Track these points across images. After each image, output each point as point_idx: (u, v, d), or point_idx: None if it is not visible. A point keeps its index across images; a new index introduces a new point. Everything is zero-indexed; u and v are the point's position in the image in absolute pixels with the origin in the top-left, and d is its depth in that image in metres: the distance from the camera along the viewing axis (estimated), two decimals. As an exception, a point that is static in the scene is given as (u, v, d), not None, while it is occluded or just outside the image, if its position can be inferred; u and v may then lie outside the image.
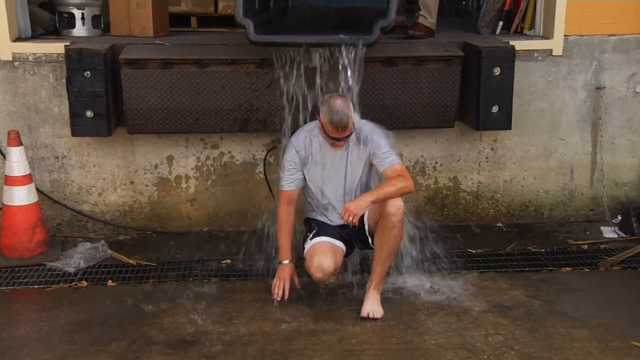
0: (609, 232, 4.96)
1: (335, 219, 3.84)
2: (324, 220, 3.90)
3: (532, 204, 5.18)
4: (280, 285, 3.68)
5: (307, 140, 3.76)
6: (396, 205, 3.56)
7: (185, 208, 4.93)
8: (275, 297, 3.69)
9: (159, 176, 4.87)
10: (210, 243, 4.76)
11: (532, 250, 4.64)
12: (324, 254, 3.66)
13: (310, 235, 3.84)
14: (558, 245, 4.72)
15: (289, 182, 3.79)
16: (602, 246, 4.72)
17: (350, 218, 3.49)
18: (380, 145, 3.68)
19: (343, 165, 3.76)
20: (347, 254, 3.89)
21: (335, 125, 3.54)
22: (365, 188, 3.86)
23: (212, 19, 5.66)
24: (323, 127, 3.63)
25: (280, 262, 3.77)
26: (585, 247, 4.71)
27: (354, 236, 3.81)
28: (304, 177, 3.81)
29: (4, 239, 4.40)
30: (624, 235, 4.88)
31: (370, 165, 3.81)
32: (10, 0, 4.56)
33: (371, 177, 3.91)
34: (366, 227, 3.72)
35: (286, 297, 3.69)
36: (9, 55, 4.57)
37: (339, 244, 3.79)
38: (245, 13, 4.03)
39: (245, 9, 4.02)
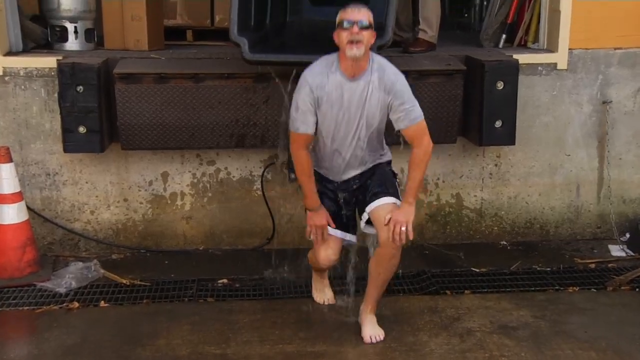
0: (616, 251, 4.95)
1: (335, 175, 3.74)
2: (324, 183, 3.79)
3: (538, 221, 5.18)
4: (320, 233, 3.65)
5: (323, 76, 3.53)
6: (392, 216, 3.52)
7: (181, 226, 4.93)
8: (316, 242, 3.71)
9: (153, 193, 4.87)
10: (206, 262, 4.76)
11: (538, 269, 4.64)
12: (331, 247, 3.69)
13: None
14: (564, 264, 4.72)
15: (305, 124, 3.57)
16: (610, 265, 4.72)
17: (402, 228, 3.41)
18: (403, 98, 3.50)
19: (361, 106, 3.54)
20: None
21: (349, 7, 3.43)
22: (377, 142, 3.71)
23: (209, 32, 5.77)
24: (337, 29, 3.46)
25: (312, 209, 3.67)
26: (593, 265, 4.71)
27: (350, 204, 3.78)
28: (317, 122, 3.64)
29: None
30: (633, 254, 4.88)
31: (386, 117, 3.62)
32: (1, 14, 4.60)
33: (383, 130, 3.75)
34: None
35: (325, 240, 3.69)
36: (0, 71, 4.60)
37: (340, 233, 3.75)
38: (241, 31, 4.05)
39: (240, 27, 4.04)
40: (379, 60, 3.53)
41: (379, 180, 3.68)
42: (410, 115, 3.46)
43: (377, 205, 3.58)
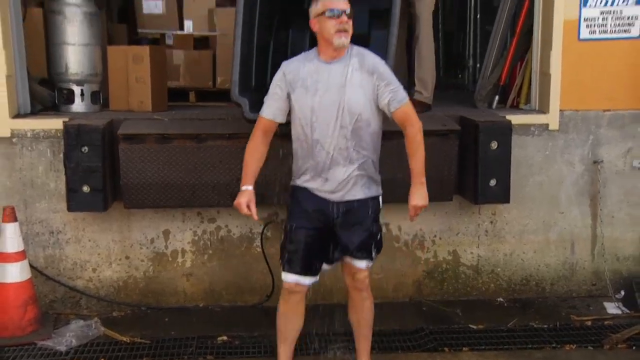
0: (612, 308, 4.93)
1: (322, 182, 3.53)
2: (308, 196, 3.57)
3: (533, 278, 5.17)
4: (241, 208, 3.55)
5: (300, 63, 3.52)
6: (360, 278, 3.58)
7: (181, 283, 4.93)
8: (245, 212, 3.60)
9: (154, 251, 4.88)
10: (206, 319, 4.74)
11: (535, 326, 4.62)
12: (294, 314, 3.66)
13: (286, 258, 3.60)
14: (561, 321, 4.70)
15: (270, 109, 3.54)
16: (606, 322, 4.69)
17: (422, 209, 3.58)
18: (388, 78, 3.45)
19: (339, 87, 3.41)
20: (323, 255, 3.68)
21: None
22: (370, 141, 3.55)
23: (210, 93, 5.89)
24: (317, 17, 3.43)
25: (242, 187, 3.61)
26: (589, 323, 4.69)
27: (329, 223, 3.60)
28: (286, 112, 3.55)
29: None
30: (628, 311, 4.86)
31: (375, 106, 3.50)
32: (11, 79, 4.70)
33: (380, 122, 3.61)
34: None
35: (254, 217, 3.58)
36: (7, 132, 4.68)
37: (309, 280, 3.60)
38: (242, 91, 4.14)
39: (241, 88, 4.14)
40: (357, 48, 3.51)
41: (366, 237, 3.59)
42: (398, 95, 3.43)
43: (357, 266, 3.59)
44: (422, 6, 5.20)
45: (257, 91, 4.46)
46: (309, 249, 3.54)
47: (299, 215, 3.57)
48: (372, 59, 3.46)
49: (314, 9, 3.44)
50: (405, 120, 3.48)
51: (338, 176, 3.47)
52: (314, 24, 3.43)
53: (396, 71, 4.97)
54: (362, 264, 3.58)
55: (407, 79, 5.50)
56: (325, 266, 3.63)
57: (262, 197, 4.47)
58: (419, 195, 3.56)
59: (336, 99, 3.37)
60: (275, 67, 4.83)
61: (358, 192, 3.53)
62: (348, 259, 3.59)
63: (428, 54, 5.29)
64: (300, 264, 3.54)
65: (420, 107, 5.11)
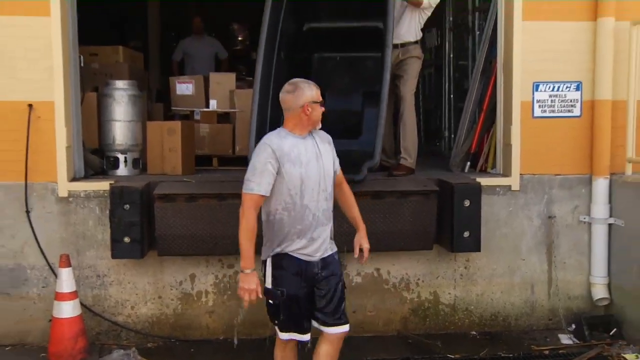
0: (565, 339, 5.00)
1: (306, 244, 3.44)
2: (292, 261, 3.44)
3: (501, 315, 5.22)
4: (252, 294, 3.35)
5: (279, 139, 3.41)
6: (334, 349, 3.53)
7: (205, 319, 4.99)
8: (245, 304, 3.41)
9: (182, 291, 4.98)
10: (226, 349, 4.77)
11: (502, 355, 4.69)
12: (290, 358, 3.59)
13: (281, 320, 3.47)
14: (524, 351, 4.76)
15: (259, 185, 3.33)
16: (560, 351, 4.76)
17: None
18: (333, 147, 3.58)
19: (317, 158, 3.44)
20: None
21: (316, 87, 3.46)
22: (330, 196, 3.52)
23: (231, 159, 6.01)
24: (309, 103, 3.40)
25: (243, 271, 3.37)
26: (547, 352, 4.75)
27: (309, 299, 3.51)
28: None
29: (51, 347, 4.51)
30: (578, 342, 4.94)
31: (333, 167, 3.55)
32: (70, 150, 4.93)
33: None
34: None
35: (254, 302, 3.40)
36: (65, 193, 4.85)
37: (304, 337, 3.52)
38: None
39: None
40: None
41: (341, 303, 3.55)
42: (337, 160, 3.58)
43: (335, 332, 3.52)
44: (405, 89, 5.40)
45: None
46: (301, 312, 3.47)
47: (287, 282, 3.43)
48: (323, 133, 3.57)
49: (308, 95, 3.41)
50: (342, 179, 3.64)
51: (322, 235, 3.46)
52: (307, 108, 3.40)
53: (385, 141, 5.23)
54: (345, 330, 3.56)
55: (394, 148, 5.67)
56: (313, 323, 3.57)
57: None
58: (365, 238, 3.62)
59: (317, 167, 3.41)
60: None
61: (330, 247, 3.54)
62: (333, 331, 3.53)
63: (411, 128, 5.43)
64: (294, 325, 3.48)
65: (406, 171, 5.28)
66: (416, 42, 5.52)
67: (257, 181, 3.33)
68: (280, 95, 3.50)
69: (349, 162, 4.36)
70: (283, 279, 3.44)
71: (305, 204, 3.40)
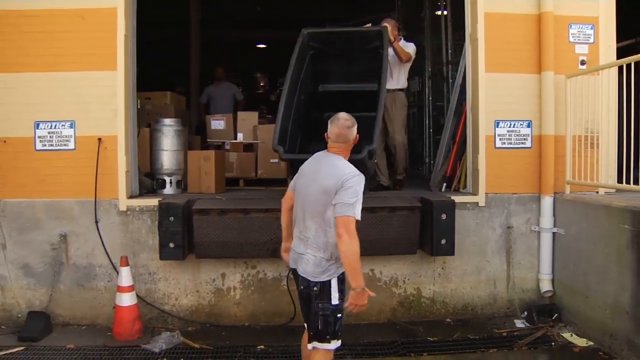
0: (519, 324, 5.07)
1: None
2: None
3: (470, 305, 5.28)
4: (362, 308, 3.06)
5: None
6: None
7: (233, 309, 5.08)
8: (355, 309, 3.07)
9: (215, 287, 5.07)
10: (250, 333, 4.87)
11: (471, 337, 4.77)
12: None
13: (338, 327, 3.13)
14: (487, 334, 4.85)
15: (359, 212, 3.02)
16: (515, 333, 4.86)
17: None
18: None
19: None
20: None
21: None
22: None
23: (254, 181, 6.16)
24: (356, 136, 3.18)
25: (356, 289, 3.00)
26: (505, 334, 4.85)
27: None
28: None
29: (115, 328, 4.67)
30: (529, 325, 5.02)
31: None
32: (129, 174, 5.10)
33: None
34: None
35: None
36: (125, 207, 5.02)
37: None
38: (280, 142, 4.41)
39: (280, 141, 4.44)
40: None
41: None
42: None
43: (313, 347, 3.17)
44: (395, 127, 5.68)
45: (291, 140, 4.76)
46: None
47: (343, 295, 3.17)
48: None
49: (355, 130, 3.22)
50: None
51: None
52: (355, 141, 3.23)
53: (381, 167, 5.53)
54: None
55: (388, 172, 5.93)
56: None
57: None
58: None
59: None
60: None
61: None
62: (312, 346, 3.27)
63: (402, 150, 5.76)
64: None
65: (399, 185, 5.60)
66: (402, 90, 5.75)
67: (359, 207, 3.03)
68: (341, 128, 3.16)
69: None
70: (344, 293, 3.18)
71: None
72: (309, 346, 3.19)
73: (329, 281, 3.13)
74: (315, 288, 3.14)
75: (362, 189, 3.03)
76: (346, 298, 3.09)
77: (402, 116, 5.77)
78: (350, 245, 2.95)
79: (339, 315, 3.15)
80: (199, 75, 10.12)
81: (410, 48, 5.68)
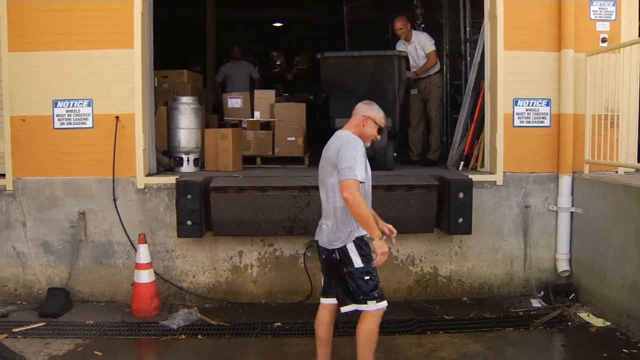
0: (536, 303, 5.02)
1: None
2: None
3: (486, 284, 5.24)
4: (386, 255, 3.18)
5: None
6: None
7: (250, 286, 5.08)
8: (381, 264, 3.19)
9: (232, 264, 5.06)
10: (267, 311, 4.88)
11: (487, 316, 4.73)
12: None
13: (379, 290, 3.23)
14: (503, 313, 4.81)
15: (361, 173, 3.13)
16: (531, 312, 4.82)
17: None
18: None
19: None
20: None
21: (384, 119, 3.40)
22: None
23: (271, 159, 6.13)
24: (373, 124, 3.28)
25: (375, 239, 3.14)
26: (521, 313, 4.80)
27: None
28: None
29: (134, 304, 4.69)
30: (546, 305, 4.97)
31: None
32: (146, 152, 5.07)
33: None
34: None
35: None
36: (142, 185, 5.01)
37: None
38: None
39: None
40: None
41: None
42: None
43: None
44: (431, 106, 5.98)
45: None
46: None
47: (370, 259, 3.28)
48: None
49: (374, 114, 3.32)
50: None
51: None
52: (366, 120, 3.30)
53: (417, 143, 6.11)
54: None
55: (421, 149, 6.39)
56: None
57: (304, 230, 4.62)
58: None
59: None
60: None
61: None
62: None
63: (436, 129, 6.20)
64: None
65: (430, 164, 5.84)
66: (437, 73, 6.25)
67: (359, 168, 3.12)
68: (359, 104, 3.39)
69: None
70: (367, 257, 3.26)
71: (367, 190, 3.30)
72: (342, 309, 3.31)
73: (345, 246, 3.26)
74: (334, 255, 3.29)
75: (359, 151, 3.16)
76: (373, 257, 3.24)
77: (437, 95, 6.22)
78: (356, 204, 3.10)
79: (367, 277, 3.23)
80: (215, 54, 10.07)
81: (427, 46, 6.17)
